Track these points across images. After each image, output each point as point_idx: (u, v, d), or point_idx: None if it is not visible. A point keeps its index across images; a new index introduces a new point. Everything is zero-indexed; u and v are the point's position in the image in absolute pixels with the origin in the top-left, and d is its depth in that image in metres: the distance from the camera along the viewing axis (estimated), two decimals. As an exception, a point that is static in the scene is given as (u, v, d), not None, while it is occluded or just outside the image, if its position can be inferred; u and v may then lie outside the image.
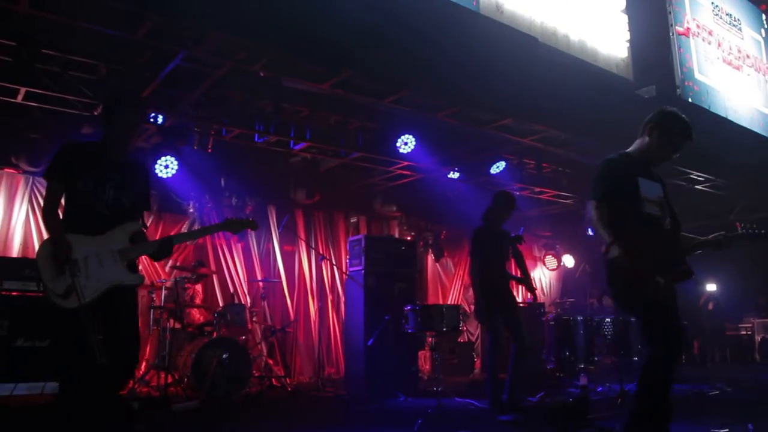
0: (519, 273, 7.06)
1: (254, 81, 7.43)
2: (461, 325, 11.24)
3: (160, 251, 4.06)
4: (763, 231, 4.13)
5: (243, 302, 9.89)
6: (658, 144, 4.13)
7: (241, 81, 7.64)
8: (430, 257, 13.05)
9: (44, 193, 4.02)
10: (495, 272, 6.70)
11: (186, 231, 9.42)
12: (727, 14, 11.85)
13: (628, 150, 4.24)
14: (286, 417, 6.78)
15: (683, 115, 4.17)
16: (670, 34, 10.25)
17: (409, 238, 12.19)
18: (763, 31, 12.87)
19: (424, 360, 11.59)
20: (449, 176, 10.58)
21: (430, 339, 11.34)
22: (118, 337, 3.79)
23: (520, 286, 11.13)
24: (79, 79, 7.31)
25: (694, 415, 6.29)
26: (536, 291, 7.12)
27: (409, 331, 6.68)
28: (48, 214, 3.86)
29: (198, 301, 9.54)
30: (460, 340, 11.63)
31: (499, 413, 6.25)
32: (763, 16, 12.81)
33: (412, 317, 6.57)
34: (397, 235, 12.38)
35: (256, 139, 8.72)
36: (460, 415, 6.21)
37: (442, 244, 13.07)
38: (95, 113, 7.71)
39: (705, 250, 4.17)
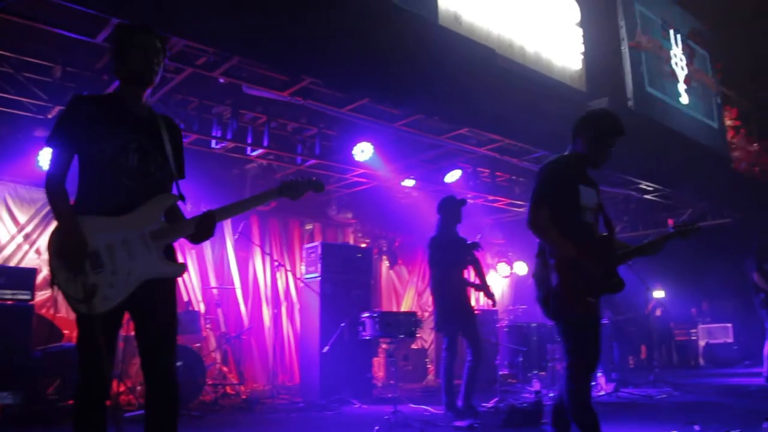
0: (477, 280, 7.11)
1: (213, 86, 7.41)
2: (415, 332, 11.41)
3: (201, 231, 3.17)
4: (694, 225, 4.12)
5: (197, 309, 9.81)
6: (591, 147, 4.04)
7: (199, 86, 7.63)
8: (385, 264, 13.10)
9: (47, 165, 3.04)
10: (453, 280, 6.78)
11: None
12: (675, 30, 12.20)
13: (566, 154, 4.14)
14: (242, 425, 6.75)
15: (610, 111, 4.12)
16: (622, 47, 10.51)
17: (363, 245, 12.23)
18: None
19: (378, 367, 11.66)
20: (403, 184, 10.63)
21: (385, 346, 11.43)
22: (149, 344, 3.10)
23: (478, 293, 11.20)
24: (34, 81, 7.20)
25: (643, 419, 6.48)
26: (494, 297, 7.17)
27: (366, 337, 6.71)
28: (52, 193, 2.98)
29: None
30: (414, 346, 11.69)
31: (455, 419, 6.35)
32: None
33: (370, 324, 6.61)
34: (351, 242, 12.43)
35: (213, 145, 8.66)
36: (416, 421, 6.26)
37: (396, 251, 13.14)
38: (49, 116, 7.59)
39: (641, 256, 4.12)
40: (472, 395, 6.55)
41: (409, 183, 10.68)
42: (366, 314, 6.70)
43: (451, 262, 6.79)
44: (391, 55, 6.76)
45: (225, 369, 9.37)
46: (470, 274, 7.15)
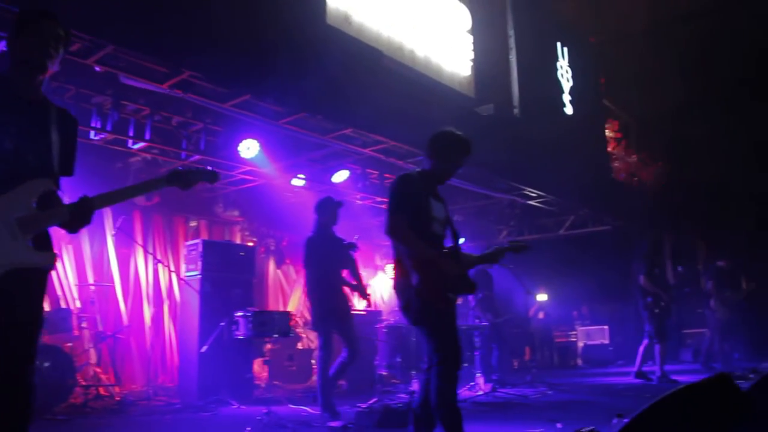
0: (353, 280, 7.22)
1: (92, 75, 7.10)
2: (298, 332, 11.34)
3: (76, 218, 2.93)
4: (524, 244, 4.64)
5: (71, 307, 9.41)
6: (440, 164, 4.34)
7: (77, 74, 7.29)
8: (272, 263, 12.97)
9: None
10: (329, 279, 6.86)
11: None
12: (562, 42, 12.62)
13: (418, 170, 4.44)
14: (109, 428, 6.52)
15: (459, 133, 4.38)
16: (510, 56, 10.77)
17: (251, 244, 12.08)
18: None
19: (262, 368, 11.51)
20: (292, 183, 10.56)
21: (269, 346, 11.33)
22: (4, 343, 2.78)
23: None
24: None
25: (514, 418, 6.66)
26: (369, 297, 7.29)
27: (240, 337, 6.61)
28: None
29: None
30: (299, 346, 11.59)
31: (330, 419, 6.35)
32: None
33: (243, 323, 6.51)
34: (239, 241, 12.22)
35: (91, 136, 8.31)
36: (290, 421, 6.20)
37: (284, 250, 13.04)
38: None
39: (483, 263, 4.67)
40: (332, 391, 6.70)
41: (298, 182, 10.62)
42: (240, 313, 6.59)
43: (327, 261, 6.87)
44: (276, 51, 6.69)
45: (98, 370, 9.01)
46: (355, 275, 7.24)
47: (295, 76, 6.84)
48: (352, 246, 7.11)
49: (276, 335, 6.54)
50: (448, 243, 4.40)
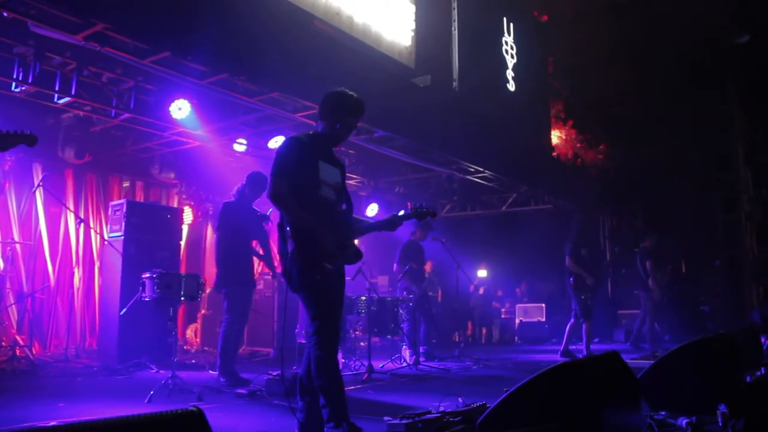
0: (262, 251, 7.38)
1: (8, 22, 6.81)
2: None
3: None
4: (426, 209, 4.51)
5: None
6: (332, 126, 4.23)
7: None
8: (209, 229, 12.78)
9: None
10: (240, 246, 6.98)
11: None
12: (508, 17, 12.50)
13: (311, 132, 4.32)
14: (7, 389, 6.36)
15: (351, 93, 4.27)
16: (453, 28, 10.64)
17: (189, 208, 11.90)
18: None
19: (196, 333, 11.41)
20: (234, 147, 10.41)
21: (204, 311, 11.20)
22: None
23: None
24: None
25: (426, 390, 6.65)
26: (276, 269, 7.34)
27: (146, 299, 6.51)
28: None
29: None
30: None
31: (237, 386, 6.41)
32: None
33: (149, 285, 6.40)
34: (176, 205, 12.00)
35: (12, 88, 8.03)
36: (198, 387, 6.13)
37: (222, 216, 12.82)
38: None
39: (380, 230, 4.52)
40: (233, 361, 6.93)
41: (240, 148, 10.45)
42: (146, 275, 6.48)
43: (241, 229, 7.00)
44: (196, 7, 6.49)
45: (14, 330, 8.81)
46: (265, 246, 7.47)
47: (216, 35, 6.64)
48: (266, 218, 7.20)
49: (183, 298, 6.42)
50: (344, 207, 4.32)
